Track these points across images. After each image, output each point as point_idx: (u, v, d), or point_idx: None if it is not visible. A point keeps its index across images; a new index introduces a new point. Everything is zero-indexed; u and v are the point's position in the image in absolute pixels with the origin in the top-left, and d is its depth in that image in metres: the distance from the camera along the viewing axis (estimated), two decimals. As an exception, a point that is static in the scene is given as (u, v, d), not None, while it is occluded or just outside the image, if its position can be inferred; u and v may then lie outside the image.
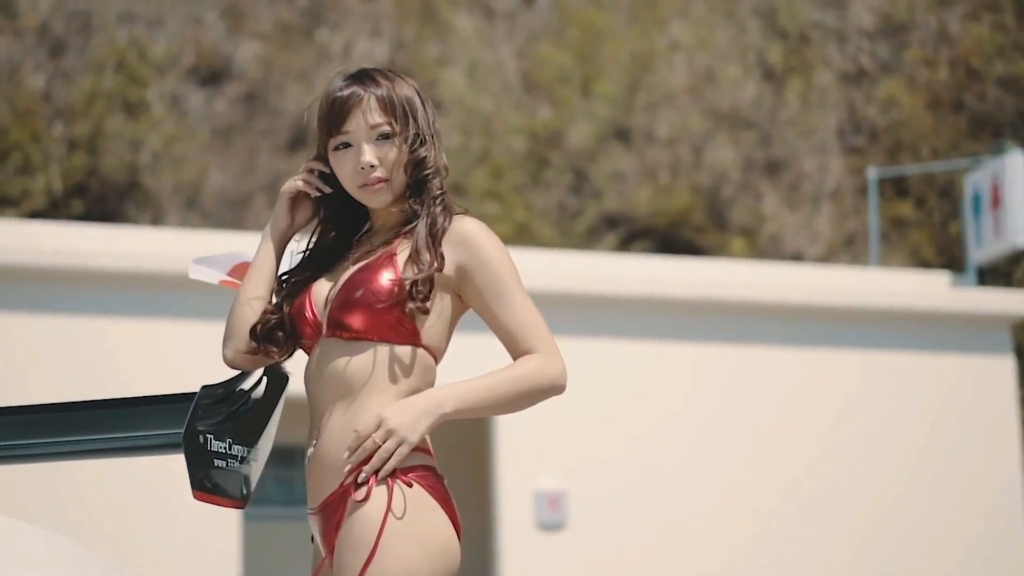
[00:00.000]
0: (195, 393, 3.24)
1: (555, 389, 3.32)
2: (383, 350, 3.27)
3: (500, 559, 11.43)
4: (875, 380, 12.41)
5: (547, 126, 22.57)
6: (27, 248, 10.80)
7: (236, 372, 3.41)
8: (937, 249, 20.31)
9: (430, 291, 3.28)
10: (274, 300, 3.43)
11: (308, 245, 3.49)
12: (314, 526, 3.35)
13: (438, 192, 3.38)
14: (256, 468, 3.33)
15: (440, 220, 3.34)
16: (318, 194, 3.45)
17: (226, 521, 10.70)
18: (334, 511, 3.26)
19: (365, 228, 3.50)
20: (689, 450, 11.89)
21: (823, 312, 12.39)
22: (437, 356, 3.36)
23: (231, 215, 21.12)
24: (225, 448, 3.25)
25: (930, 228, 20.72)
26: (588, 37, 23.12)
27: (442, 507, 3.23)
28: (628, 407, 11.84)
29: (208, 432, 3.21)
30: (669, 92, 22.83)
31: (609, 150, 22.47)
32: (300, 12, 22.99)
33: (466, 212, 3.40)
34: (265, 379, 3.41)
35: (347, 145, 3.37)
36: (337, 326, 3.29)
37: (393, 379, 3.27)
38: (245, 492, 3.30)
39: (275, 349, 3.38)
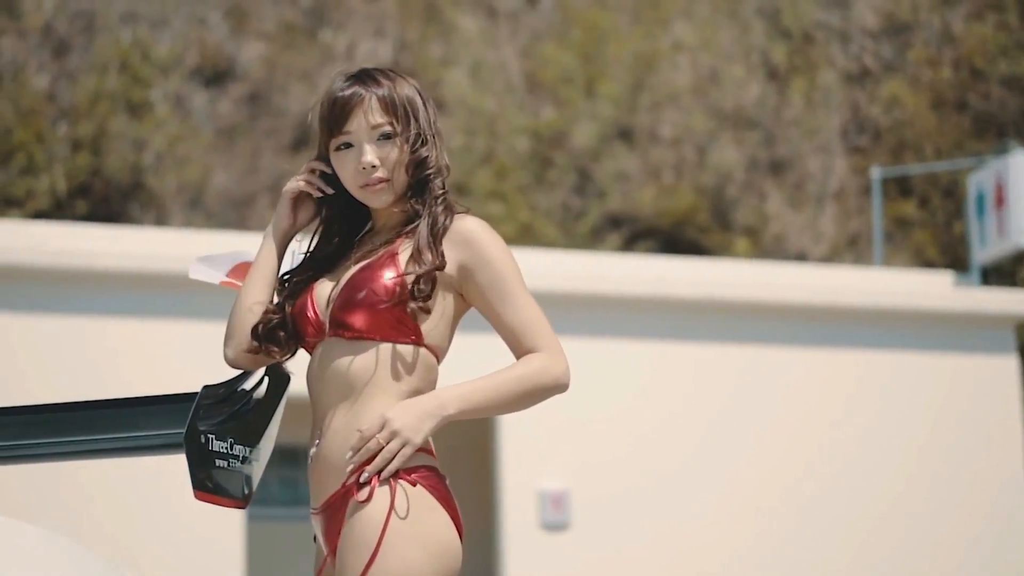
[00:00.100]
0: (197, 393, 3.24)
1: (558, 387, 3.32)
2: (385, 349, 3.27)
3: (504, 559, 11.43)
4: (879, 380, 12.40)
5: (551, 126, 22.56)
6: (31, 248, 10.80)
7: (238, 372, 3.41)
8: (941, 249, 20.31)
9: (432, 290, 3.28)
10: (276, 300, 3.44)
11: (310, 245, 3.49)
12: (316, 526, 3.35)
13: (440, 192, 3.38)
14: (258, 468, 3.33)
15: (441, 219, 3.34)
16: (320, 195, 3.45)
17: (230, 521, 10.70)
18: (336, 511, 3.26)
19: (367, 228, 3.50)
20: (693, 450, 11.88)
21: (827, 312, 12.38)
22: (439, 355, 3.36)
23: (235, 215, 21.13)
24: (227, 448, 3.25)
25: (934, 228, 20.72)
26: (592, 37, 23.11)
27: (444, 507, 3.23)
28: (632, 407, 11.84)
29: (210, 432, 3.22)
30: (673, 92, 22.82)
31: (613, 150, 22.45)
32: (304, 12, 23.00)
33: (467, 211, 3.40)
34: (267, 379, 3.41)
35: (348, 145, 3.37)
36: (339, 326, 3.29)
37: (395, 378, 3.27)
38: (247, 492, 3.30)
39: (276, 349, 3.38)
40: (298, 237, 3.53)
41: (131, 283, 10.90)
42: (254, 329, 3.38)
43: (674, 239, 21.36)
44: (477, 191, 21.01)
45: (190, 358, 9.96)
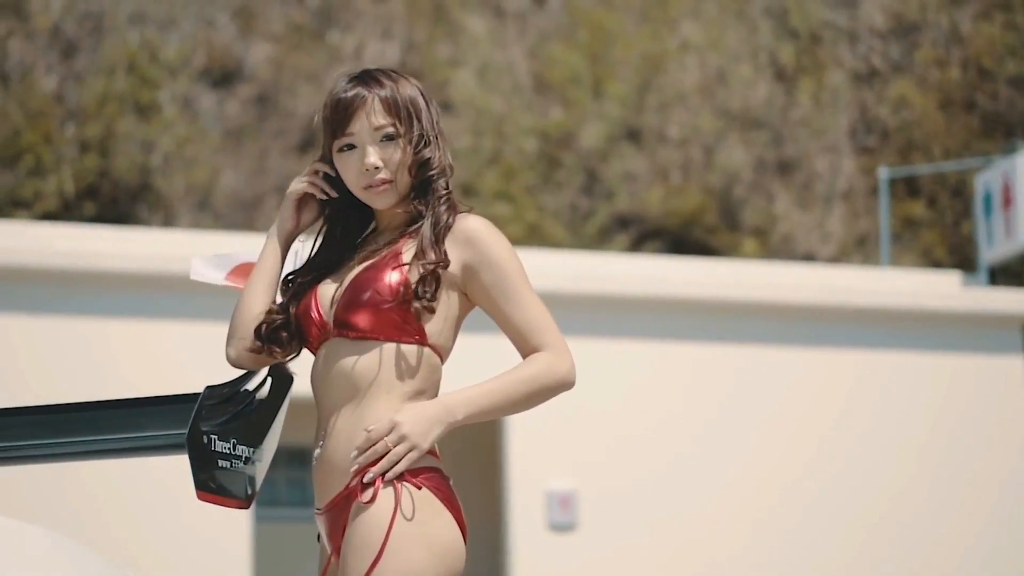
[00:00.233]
0: (200, 394, 3.25)
1: (564, 386, 3.33)
2: (389, 349, 3.27)
3: (511, 560, 11.43)
4: (887, 380, 12.39)
5: (558, 127, 22.56)
6: (39, 250, 10.82)
7: (241, 372, 3.41)
8: (948, 249, 20.30)
9: (436, 290, 3.28)
10: (280, 301, 3.44)
11: (313, 246, 3.50)
12: (321, 526, 3.36)
13: (443, 192, 3.38)
14: (261, 468, 3.33)
15: (444, 218, 3.34)
16: (324, 197, 3.45)
17: (237, 523, 10.71)
18: (341, 511, 3.26)
19: (370, 228, 3.50)
20: (700, 450, 11.87)
21: (834, 312, 12.37)
22: (443, 355, 3.36)
23: (243, 216, 21.14)
24: (229, 449, 3.24)
25: (941, 228, 20.70)
26: (599, 38, 23.11)
27: (448, 508, 3.23)
28: (639, 407, 11.83)
29: (212, 432, 3.21)
30: (680, 92, 22.81)
31: (620, 151, 22.45)
32: (311, 13, 23.01)
33: (471, 210, 3.40)
34: (270, 380, 3.42)
35: (352, 147, 3.37)
36: (343, 326, 3.29)
37: (399, 378, 3.27)
38: (250, 492, 3.29)
39: (279, 349, 3.38)
40: (301, 238, 3.53)
41: (139, 284, 10.91)
42: (257, 329, 3.38)
43: (682, 240, 21.35)
44: (485, 192, 21.02)
45: (194, 359, 9.97)
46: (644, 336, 11.97)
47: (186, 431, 3.17)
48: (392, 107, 3.35)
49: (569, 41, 23.28)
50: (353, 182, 3.38)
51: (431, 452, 3.26)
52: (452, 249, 3.32)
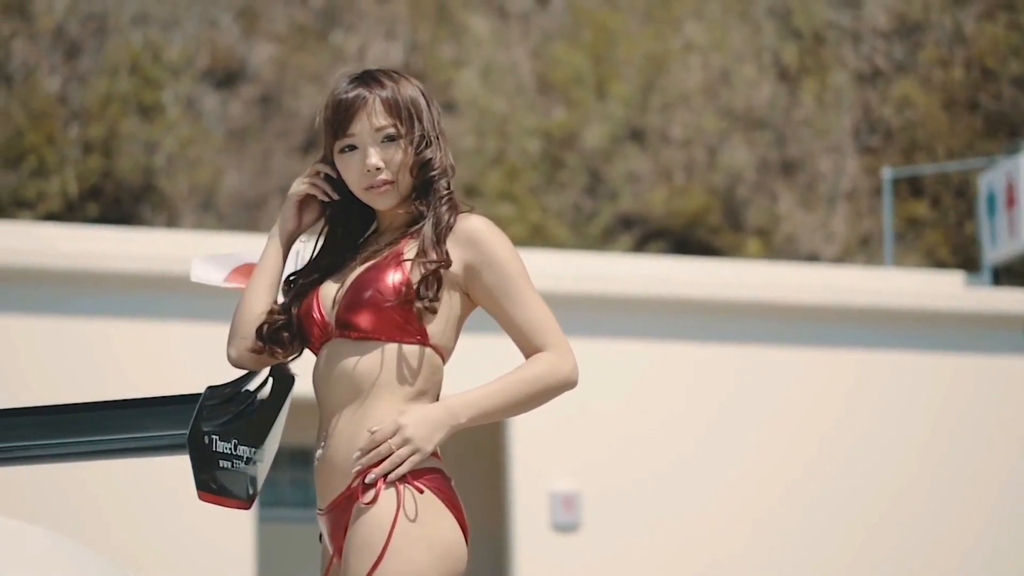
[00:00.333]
0: (201, 394, 3.24)
1: (567, 385, 3.33)
2: (391, 350, 3.27)
3: (515, 560, 11.43)
4: (889, 380, 12.39)
5: (562, 127, 22.55)
6: (43, 251, 10.82)
7: (243, 373, 3.41)
8: (952, 249, 20.28)
9: (438, 290, 3.28)
10: (281, 301, 3.44)
11: (315, 247, 3.50)
12: (323, 526, 3.36)
13: (444, 192, 3.38)
14: (262, 469, 3.33)
15: (446, 218, 3.34)
16: (326, 198, 3.45)
17: (240, 523, 10.71)
18: (343, 512, 3.26)
19: (372, 229, 3.50)
20: (702, 450, 11.87)
21: (838, 312, 12.37)
22: (445, 355, 3.36)
23: (246, 217, 21.14)
24: (230, 449, 3.24)
25: (945, 228, 20.69)
26: (602, 38, 23.10)
27: (449, 509, 3.23)
28: (643, 408, 11.83)
29: (213, 433, 3.21)
30: (684, 93, 22.80)
31: (624, 151, 22.44)
32: (315, 14, 23.01)
33: (472, 210, 3.40)
34: (271, 380, 3.42)
35: (353, 148, 3.37)
36: (345, 326, 3.29)
37: (401, 379, 3.27)
38: (251, 493, 3.29)
39: (280, 349, 3.38)
40: (303, 239, 3.53)
41: (143, 285, 10.92)
42: (259, 330, 3.38)
43: (685, 240, 21.35)
44: (488, 192, 21.02)
45: (196, 359, 9.97)
46: (647, 336, 11.97)
47: (187, 431, 3.17)
48: (393, 108, 3.35)
49: (572, 41, 23.28)
50: (354, 183, 3.38)
51: (433, 454, 3.26)
52: (454, 249, 3.31)
